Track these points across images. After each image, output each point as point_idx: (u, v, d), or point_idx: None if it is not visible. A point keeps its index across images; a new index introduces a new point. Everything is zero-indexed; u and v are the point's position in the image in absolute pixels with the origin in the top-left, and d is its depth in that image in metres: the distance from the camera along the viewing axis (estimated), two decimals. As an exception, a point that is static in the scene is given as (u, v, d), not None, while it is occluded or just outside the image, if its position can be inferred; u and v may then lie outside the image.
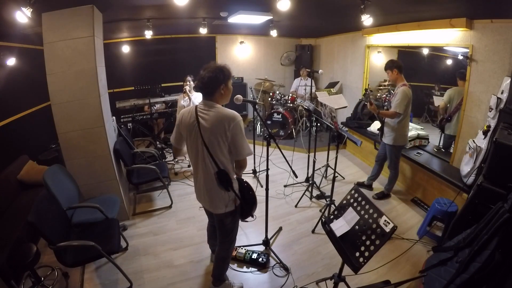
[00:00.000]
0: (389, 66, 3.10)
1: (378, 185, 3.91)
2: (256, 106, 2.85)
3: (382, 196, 3.58)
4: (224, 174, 1.74)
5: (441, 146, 3.99)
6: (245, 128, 6.44)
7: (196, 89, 1.77)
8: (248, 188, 1.95)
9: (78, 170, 2.76)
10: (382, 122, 3.32)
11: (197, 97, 3.75)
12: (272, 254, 2.59)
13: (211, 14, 3.92)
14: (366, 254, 1.49)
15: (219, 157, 1.73)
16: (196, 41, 5.77)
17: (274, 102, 5.58)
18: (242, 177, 1.98)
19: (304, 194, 3.55)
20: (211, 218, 2.22)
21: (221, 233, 2.04)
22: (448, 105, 3.74)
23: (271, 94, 5.69)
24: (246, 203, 1.94)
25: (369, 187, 3.78)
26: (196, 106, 1.76)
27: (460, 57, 3.84)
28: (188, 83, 3.87)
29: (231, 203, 1.85)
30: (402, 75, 3.10)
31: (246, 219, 2.04)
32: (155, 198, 3.63)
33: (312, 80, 4.73)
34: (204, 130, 1.69)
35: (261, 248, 2.66)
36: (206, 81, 1.68)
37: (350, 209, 1.72)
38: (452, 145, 3.94)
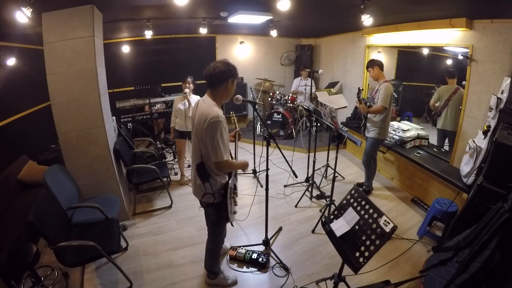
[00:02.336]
0: (370, 64, 3.33)
1: (378, 185, 3.92)
2: (256, 106, 2.85)
3: (366, 193, 3.60)
4: (201, 167, 1.80)
5: (437, 144, 4.08)
6: (245, 128, 6.45)
7: (205, 79, 1.78)
8: (224, 194, 1.90)
9: (78, 170, 2.76)
10: (365, 118, 3.41)
11: (195, 100, 3.69)
12: (272, 254, 2.59)
13: (211, 14, 3.91)
14: (366, 254, 1.49)
15: (202, 150, 1.78)
16: (196, 41, 5.77)
17: (274, 102, 5.58)
18: (233, 181, 1.98)
19: (304, 194, 3.55)
20: None
21: (207, 223, 2.11)
22: (438, 103, 3.98)
23: (271, 94, 5.69)
24: (221, 204, 1.92)
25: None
26: (201, 98, 1.86)
27: (460, 57, 3.89)
28: (188, 85, 3.67)
29: (209, 196, 1.85)
30: (383, 72, 3.28)
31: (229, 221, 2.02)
32: (155, 198, 3.63)
33: (312, 80, 4.73)
34: (194, 122, 1.80)
35: (261, 248, 2.66)
36: (217, 72, 1.70)
37: (350, 209, 1.72)
38: (446, 142, 4.03)
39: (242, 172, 4.08)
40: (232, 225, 2.14)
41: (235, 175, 2.00)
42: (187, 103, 3.64)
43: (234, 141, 2.19)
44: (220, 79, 1.72)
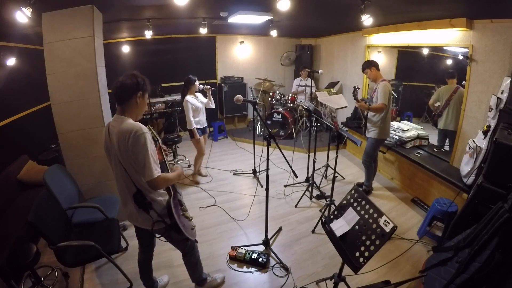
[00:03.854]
0: (367, 65, 3.30)
1: (378, 185, 3.92)
2: (256, 106, 2.85)
3: (366, 193, 3.60)
4: (140, 196, 1.60)
5: (437, 144, 4.08)
6: (245, 128, 6.45)
7: (113, 95, 1.58)
8: (169, 213, 1.70)
9: (78, 170, 2.76)
10: (365, 118, 3.40)
11: (199, 97, 3.73)
12: (272, 254, 2.59)
13: (211, 14, 3.91)
14: (366, 254, 1.49)
15: (135, 176, 1.57)
16: (196, 41, 5.78)
17: (274, 102, 5.59)
18: (176, 198, 1.78)
19: (304, 194, 3.55)
20: (142, 243, 2.01)
21: (177, 246, 1.94)
22: (438, 103, 3.99)
23: (271, 94, 5.69)
24: (172, 227, 1.73)
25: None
26: (109, 123, 1.63)
27: (460, 57, 3.89)
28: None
29: (159, 222, 1.68)
30: (379, 71, 3.28)
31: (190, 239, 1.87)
32: (155, 198, 3.62)
33: (312, 80, 4.73)
34: (115, 148, 1.55)
35: (261, 248, 2.66)
36: (123, 86, 1.52)
37: (350, 209, 1.72)
38: (447, 142, 4.04)
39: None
40: (196, 241, 1.98)
41: (176, 191, 1.81)
42: (200, 97, 3.71)
43: (162, 159, 1.90)
44: (127, 94, 1.54)
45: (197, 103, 3.63)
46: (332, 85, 5.73)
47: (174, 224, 1.70)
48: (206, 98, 3.79)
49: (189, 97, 3.54)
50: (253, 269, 2.47)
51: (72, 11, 2.48)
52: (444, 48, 4.28)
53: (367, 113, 3.34)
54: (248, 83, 6.15)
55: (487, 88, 2.85)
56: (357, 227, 1.62)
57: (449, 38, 3.23)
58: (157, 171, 1.54)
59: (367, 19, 2.87)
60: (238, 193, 3.75)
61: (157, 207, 1.68)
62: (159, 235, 1.80)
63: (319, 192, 3.60)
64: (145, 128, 1.53)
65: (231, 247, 2.62)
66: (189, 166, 4.56)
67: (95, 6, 2.57)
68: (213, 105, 3.84)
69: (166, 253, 2.65)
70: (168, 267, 2.49)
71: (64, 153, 2.75)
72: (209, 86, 3.75)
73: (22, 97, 3.60)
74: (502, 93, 2.44)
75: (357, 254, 1.52)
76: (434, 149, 3.84)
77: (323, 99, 3.55)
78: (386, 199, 3.60)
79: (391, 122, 3.82)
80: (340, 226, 1.69)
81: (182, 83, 3.69)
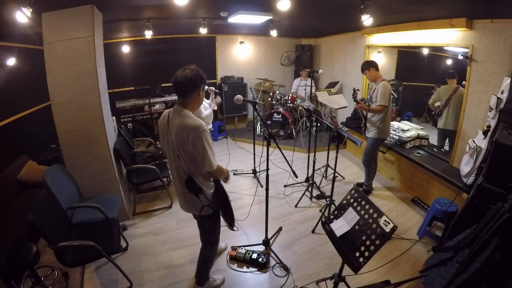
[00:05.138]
0: (366, 66, 3.29)
1: (378, 185, 3.91)
2: (256, 106, 2.84)
3: (366, 193, 3.60)
4: (191, 182, 1.71)
5: (437, 144, 4.09)
6: (245, 128, 6.45)
7: (174, 87, 1.67)
8: (224, 196, 1.88)
9: (78, 170, 2.76)
10: (365, 118, 3.40)
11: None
12: (272, 254, 2.59)
13: (211, 14, 3.91)
14: (366, 254, 1.49)
15: (187, 164, 1.70)
16: (196, 41, 5.77)
17: (274, 102, 5.58)
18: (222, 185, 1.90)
19: (304, 194, 3.55)
20: None
21: (203, 234, 2.07)
22: (437, 102, 4.00)
23: (271, 94, 5.69)
24: (223, 211, 1.92)
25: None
26: (169, 111, 1.73)
27: (460, 57, 3.89)
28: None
29: (206, 208, 1.80)
30: (379, 71, 3.27)
31: (231, 228, 2.01)
32: (155, 198, 3.63)
33: (312, 80, 4.73)
34: (172, 137, 1.67)
35: (261, 248, 2.66)
36: (188, 79, 1.61)
37: (350, 209, 1.72)
38: (447, 142, 4.04)
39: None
40: (234, 229, 2.07)
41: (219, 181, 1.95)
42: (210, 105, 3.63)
43: None
44: (191, 87, 1.65)
45: (206, 105, 3.60)
46: (332, 85, 5.73)
47: (226, 210, 1.88)
48: (209, 100, 3.74)
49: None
50: (253, 269, 2.47)
51: (72, 11, 2.48)
52: (444, 48, 4.29)
53: (367, 113, 3.34)
54: (248, 83, 6.15)
55: (487, 88, 2.85)
56: (357, 227, 1.62)
57: (449, 38, 3.23)
58: (216, 163, 1.69)
59: (367, 19, 2.87)
60: (238, 193, 3.75)
61: (206, 193, 1.80)
62: (200, 221, 1.92)
63: (319, 192, 3.60)
64: (204, 125, 1.63)
65: (231, 247, 2.62)
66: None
67: (95, 6, 2.57)
68: (215, 107, 3.81)
69: (166, 253, 2.66)
70: (168, 267, 2.49)
71: (64, 153, 2.75)
72: (213, 88, 3.72)
73: (22, 97, 3.59)
74: (502, 93, 2.44)
75: (357, 254, 1.52)
76: (434, 149, 3.84)
77: (323, 99, 3.55)
78: (386, 199, 3.60)
79: (391, 122, 3.82)
80: (340, 226, 1.69)
81: (202, 89, 3.60)
